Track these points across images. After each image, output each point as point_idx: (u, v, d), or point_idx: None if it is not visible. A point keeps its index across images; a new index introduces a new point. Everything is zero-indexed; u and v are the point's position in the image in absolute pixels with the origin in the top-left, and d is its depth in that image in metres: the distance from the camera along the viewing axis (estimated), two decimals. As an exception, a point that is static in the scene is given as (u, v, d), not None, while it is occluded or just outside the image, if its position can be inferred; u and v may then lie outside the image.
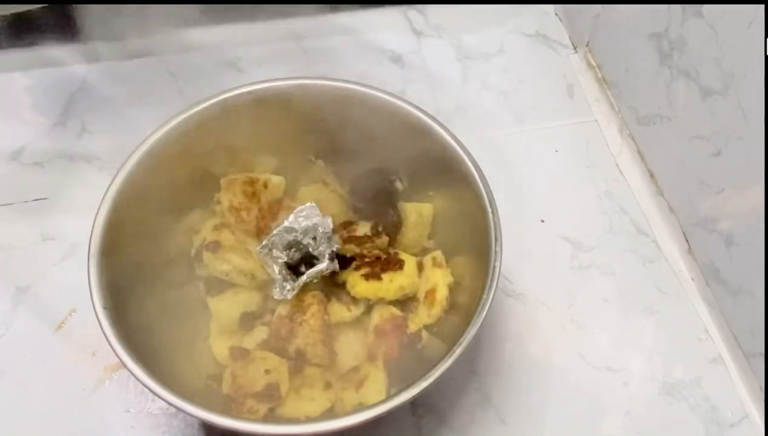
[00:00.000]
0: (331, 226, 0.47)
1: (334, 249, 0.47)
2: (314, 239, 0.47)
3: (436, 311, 0.47)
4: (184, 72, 0.66)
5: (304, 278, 0.47)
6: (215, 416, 0.37)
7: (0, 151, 0.60)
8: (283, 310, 0.47)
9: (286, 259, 0.47)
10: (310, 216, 0.46)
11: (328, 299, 0.48)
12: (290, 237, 0.47)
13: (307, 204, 0.47)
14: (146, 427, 0.48)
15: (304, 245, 0.47)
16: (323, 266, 0.47)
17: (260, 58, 0.68)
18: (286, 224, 0.47)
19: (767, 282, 0.47)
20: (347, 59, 0.68)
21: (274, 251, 0.47)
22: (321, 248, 0.47)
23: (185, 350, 0.47)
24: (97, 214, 0.43)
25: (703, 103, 0.52)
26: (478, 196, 0.45)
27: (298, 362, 0.45)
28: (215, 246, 0.46)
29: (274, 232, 0.47)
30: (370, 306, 0.49)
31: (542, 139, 0.65)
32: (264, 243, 0.47)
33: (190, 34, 0.69)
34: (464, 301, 0.47)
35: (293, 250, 0.47)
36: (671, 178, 0.59)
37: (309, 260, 0.48)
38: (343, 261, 0.50)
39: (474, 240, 0.47)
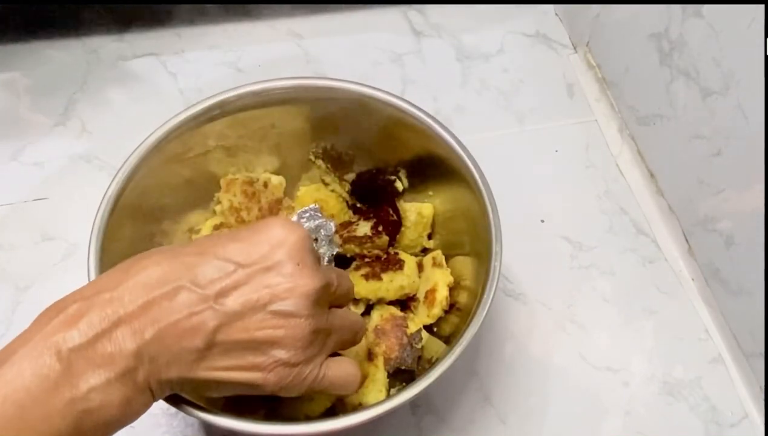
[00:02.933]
0: (334, 229, 0.46)
1: (334, 253, 0.47)
2: (315, 240, 0.46)
3: (436, 311, 0.47)
4: (184, 72, 0.66)
5: None
6: (215, 416, 0.37)
7: (0, 151, 0.60)
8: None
9: None
10: (313, 218, 0.46)
11: (328, 299, 0.48)
12: None
13: (311, 206, 0.47)
14: (146, 427, 0.48)
15: None
16: None
17: (260, 58, 0.68)
18: None
19: (767, 282, 0.47)
20: (347, 59, 0.68)
21: None
22: (322, 251, 0.46)
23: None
24: (97, 214, 0.43)
25: (703, 103, 0.52)
26: (478, 197, 0.45)
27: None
28: (215, 246, 0.46)
29: None
30: (370, 306, 0.49)
31: (542, 139, 0.65)
32: None
33: (190, 34, 0.69)
34: (464, 301, 0.47)
35: None
36: (671, 178, 0.59)
37: None
38: (343, 261, 0.50)
39: (474, 240, 0.47)
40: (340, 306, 0.38)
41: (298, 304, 0.32)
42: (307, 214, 0.46)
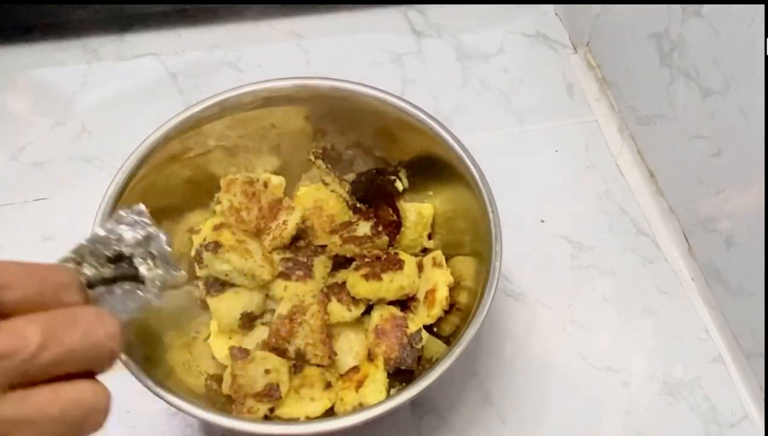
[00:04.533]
0: (167, 243, 0.32)
1: (172, 276, 0.32)
2: (153, 258, 0.32)
3: (436, 311, 0.47)
4: (184, 72, 0.66)
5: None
6: (215, 416, 0.37)
7: (0, 151, 0.60)
8: (283, 310, 0.47)
9: (90, 274, 0.31)
10: (138, 224, 0.32)
11: (328, 299, 0.48)
12: (109, 252, 0.31)
13: (134, 206, 0.32)
14: (146, 427, 0.48)
15: (133, 265, 0.31)
16: (148, 296, 0.31)
17: (260, 58, 0.68)
18: (101, 232, 0.31)
19: (767, 282, 0.47)
20: (347, 59, 0.68)
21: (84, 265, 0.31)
22: (158, 271, 0.32)
23: (185, 350, 0.47)
24: (97, 214, 0.43)
25: (703, 103, 0.52)
26: (478, 197, 0.45)
27: (298, 362, 0.45)
28: (215, 246, 0.46)
29: (84, 242, 0.31)
30: (370, 306, 0.49)
31: (542, 139, 0.65)
32: (67, 255, 0.32)
33: (190, 34, 0.69)
34: (464, 301, 0.47)
35: (112, 266, 0.31)
36: (671, 178, 0.59)
37: (120, 279, 0.31)
38: (343, 261, 0.50)
39: (474, 240, 0.47)
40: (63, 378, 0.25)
41: None
42: (130, 219, 0.32)
